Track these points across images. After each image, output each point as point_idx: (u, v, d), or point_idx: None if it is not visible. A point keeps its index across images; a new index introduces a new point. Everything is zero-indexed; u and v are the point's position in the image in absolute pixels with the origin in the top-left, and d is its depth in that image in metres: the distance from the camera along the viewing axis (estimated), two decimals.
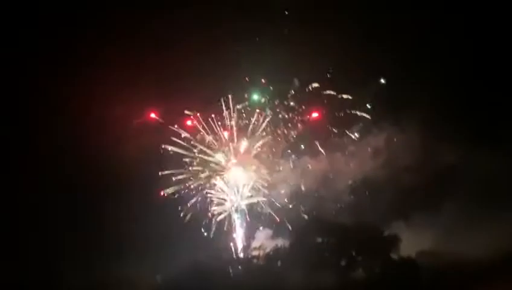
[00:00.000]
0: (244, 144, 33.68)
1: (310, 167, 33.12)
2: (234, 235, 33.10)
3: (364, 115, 33.10)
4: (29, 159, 29.51)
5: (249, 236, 33.40)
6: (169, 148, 32.70)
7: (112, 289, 27.85)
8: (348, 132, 33.10)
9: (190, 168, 33.24)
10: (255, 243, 32.21)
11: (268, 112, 33.52)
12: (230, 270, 30.22)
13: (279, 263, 30.44)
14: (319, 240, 30.82)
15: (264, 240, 32.49)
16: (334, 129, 33.30)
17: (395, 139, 31.97)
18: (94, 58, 29.98)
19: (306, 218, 32.90)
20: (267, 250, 31.22)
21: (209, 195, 32.94)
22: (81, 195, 29.43)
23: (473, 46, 30.66)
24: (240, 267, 30.68)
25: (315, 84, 33.44)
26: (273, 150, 34.10)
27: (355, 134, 33.18)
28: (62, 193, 29.19)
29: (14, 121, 29.96)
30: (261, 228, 33.42)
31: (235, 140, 33.61)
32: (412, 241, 30.49)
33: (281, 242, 31.54)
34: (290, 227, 31.77)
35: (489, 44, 30.72)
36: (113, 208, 28.87)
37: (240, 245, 32.78)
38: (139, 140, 30.91)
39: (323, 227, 31.41)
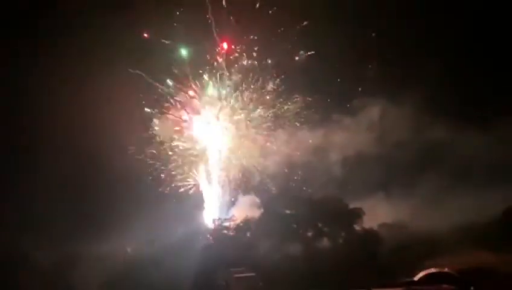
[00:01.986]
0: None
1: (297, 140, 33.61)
2: (206, 206, 34.10)
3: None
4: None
5: (224, 207, 34.40)
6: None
7: (85, 262, 28.74)
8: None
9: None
10: (226, 214, 33.30)
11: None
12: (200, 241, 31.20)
13: (248, 234, 31.46)
14: (288, 211, 31.78)
15: (236, 211, 33.53)
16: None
17: (387, 115, 32.64)
18: None
19: (277, 190, 33.88)
20: (238, 221, 32.22)
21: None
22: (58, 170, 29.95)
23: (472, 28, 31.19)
24: (210, 237, 31.68)
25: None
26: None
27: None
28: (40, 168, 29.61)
29: None
30: (233, 199, 34.41)
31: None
32: (378, 214, 31.77)
33: (251, 213, 32.54)
34: (258, 199, 32.76)
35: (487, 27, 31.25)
36: (83, 184, 29.41)
37: (212, 216, 33.80)
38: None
39: (293, 200, 32.38)
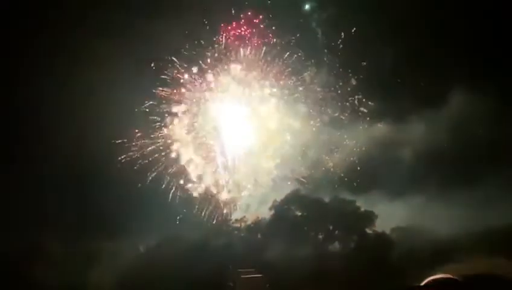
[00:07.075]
0: None
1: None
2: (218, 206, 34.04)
3: None
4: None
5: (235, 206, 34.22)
6: None
7: (99, 259, 29.69)
8: None
9: None
10: (236, 215, 33.34)
11: None
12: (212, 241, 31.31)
13: (259, 235, 31.40)
14: (299, 213, 31.56)
15: (247, 212, 33.47)
16: None
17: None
18: None
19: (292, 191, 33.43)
20: (248, 222, 32.21)
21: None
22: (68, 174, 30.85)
23: None
24: (220, 237, 31.77)
25: None
26: None
27: None
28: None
29: None
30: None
31: None
32: (392, 217, 31.09)
33: (262, 214, 32.44)
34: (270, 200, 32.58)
35: None
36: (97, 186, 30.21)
37: (223, 216, 33.80)
38: None
39: (304, 201, 32.10)
